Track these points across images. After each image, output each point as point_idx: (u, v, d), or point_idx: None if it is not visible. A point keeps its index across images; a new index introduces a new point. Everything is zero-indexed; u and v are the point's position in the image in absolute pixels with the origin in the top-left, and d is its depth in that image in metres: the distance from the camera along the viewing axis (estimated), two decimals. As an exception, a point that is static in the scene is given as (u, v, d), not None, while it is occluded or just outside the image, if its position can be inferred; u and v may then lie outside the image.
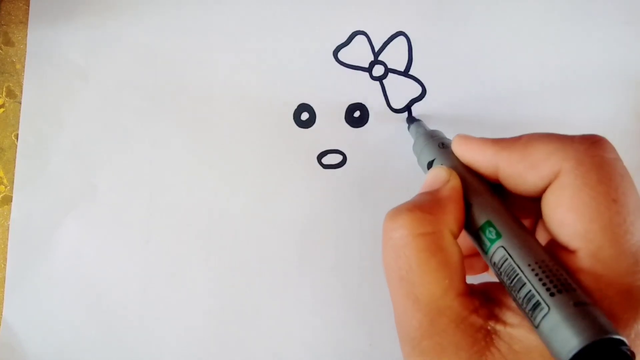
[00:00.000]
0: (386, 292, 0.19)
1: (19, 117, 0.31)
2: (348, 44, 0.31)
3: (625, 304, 0.15)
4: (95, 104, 0.31)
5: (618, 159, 0.17)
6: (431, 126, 0.28)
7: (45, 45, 0.31)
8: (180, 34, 0.31)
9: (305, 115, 0.30)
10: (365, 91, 0.30)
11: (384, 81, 0.30)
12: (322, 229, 0.30)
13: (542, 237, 0.20)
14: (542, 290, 0.16)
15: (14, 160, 0.31)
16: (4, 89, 0.32)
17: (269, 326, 0.30)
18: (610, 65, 0.30)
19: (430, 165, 0.24)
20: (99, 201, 0.31)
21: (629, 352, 0.14)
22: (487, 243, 0.18)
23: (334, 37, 0.31)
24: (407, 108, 0.30)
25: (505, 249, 0.17)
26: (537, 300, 0.16)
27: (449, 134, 0.30)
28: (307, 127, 0.30)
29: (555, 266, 0.16)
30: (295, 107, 0.30)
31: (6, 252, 0.30)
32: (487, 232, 0.18)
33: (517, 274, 0.17)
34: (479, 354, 0.16)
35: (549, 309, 0.15)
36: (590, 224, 0.16)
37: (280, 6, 0.31)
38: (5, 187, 0.31)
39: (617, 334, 0.14)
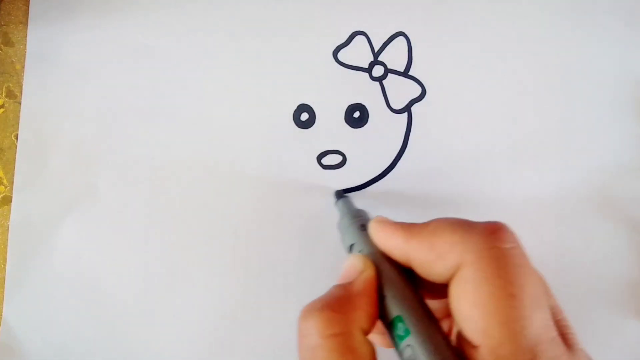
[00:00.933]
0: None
1: (19, 117, 0.31)
2: (348, 44, 0.31)
3: None
4: (95, 104, 0.31)
5: (516, 247, 0.17)
6: (432, 129, 0.28)
7: (45, 45, 0.31)
8: (180, 34, 0.31)
9: (305, 116, 0.30)
10: (365, 92, 0.30)
11: (384, 82, 0.30)
12: (322, 228, 0.30)
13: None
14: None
15: (14, 160, 0.31)
16: (4, 89, 0.32)
17: (269, 326, 0.30)
18: (610, 65, 0.30)
19: (351, 248, 0.24)
20: (99, 201, 0.31)
21: None
22: (397, 339, 0.18)
23: (333, 38, 0.31)
24: (407, 108, 0.30)
25: (413, 348, 0.18)
26: None
27: (449, 134, 0.30)
28: (307, 128, 0.30)
29: None
30: (295, 107, 0.30)
31: (6, 252, 0.31)
32: (397, 327, 0.19)
33: None
34: None
35: None
36: (490, 320, 0.16)
37: (280, 6, 0.31)
38: (5, 187, 0.31)
39: None
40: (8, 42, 0.32)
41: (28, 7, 0.31)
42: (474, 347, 0.17)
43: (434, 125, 0.30)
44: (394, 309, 0.19)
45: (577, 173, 0.30)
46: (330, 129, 0.30)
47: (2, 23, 0.32)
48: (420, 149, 0.30)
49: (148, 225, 0.30)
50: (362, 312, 0.19)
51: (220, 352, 0.30)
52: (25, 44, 0.31)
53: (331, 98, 0.30)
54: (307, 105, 0.30)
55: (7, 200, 0.31)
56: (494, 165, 0.30)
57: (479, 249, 0.17)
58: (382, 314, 0.19)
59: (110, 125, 0.31)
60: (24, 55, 0.31)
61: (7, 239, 0.31)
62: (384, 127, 0.30)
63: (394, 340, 0.19)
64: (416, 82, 0.30)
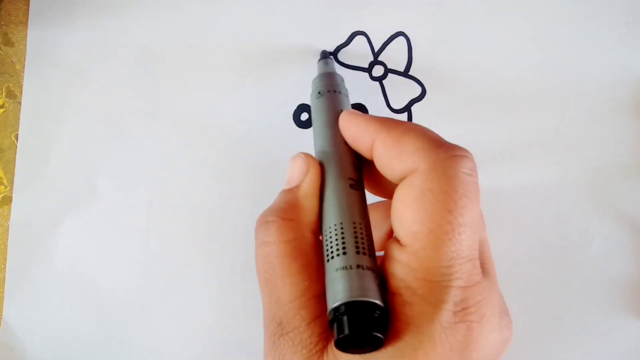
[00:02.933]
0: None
1: (19, 117, 0.31)
2: (348, 44, 0.31)
3: (426, 297, 0.17)
4: (95, 104, 0.31)
5: (471, 175, 0.18)
6: (432, 126, 0.28)
7: (45, 46, 0.31)
8: (180, 34, 0.31)
9: (305, 116, 0.30)
10: (365, 91, 0.30)
11: (384, 81, 0.30)
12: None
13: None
14: (342, 247, 0.18)
15: (14, 160, 0.31)
16: (4, 89, 0.32)
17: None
18: (610, 65, 0.30)
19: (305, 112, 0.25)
20: (99, 201, 0.31)
21: (377, 315, 0.17)
22: (325, 240, 0.20)
23: (334, 37, 0.31)
24: (407, 108, 0.30)
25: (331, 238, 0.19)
26: (336, 253, 0.18)
27: (449, 134, 0.30)
28: (307, 127, 0.30)
29: (365, 235, 0.19)
30: (295, 107, 0.30)
31: (6, 252, 0.31)
32: (326, 231, 0.20)
33: (331, 230, 0.19)
34: (319, 353, 0.18)
35: (340, 263, 0.18)
36: (422, 226, 0.17)
37: (280, 6, 0.31)
38: (5, 187, 0.31)
39: (373, 298, 0.17)
40: (8, 42, 0.32)
41: (28, 7, 0.31)
42: (401, 246, 0.18)
43: (434, 125, 0.30)
44: (329, 211, 0.20)
45: (577, 173, 0.30)
46: (330, 129, 0.30)
47: (2, 23, 0.32)
48: (420, 149, 0.30)
49: (148, 225, 0.30)
50: (309, 215, 0.20)
51: (221, 352, 0.30)
52: (25, 44, 0.31)
53: (331, 98, 0.30)
54: (307, 105, 0.30)
55: (7, 200, 0.31)
56: (493, 165, 0.30)
57: (437, 163, 0.18)
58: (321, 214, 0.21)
59: (110, 125, 0.31)
60: (24, 55, 0.31)
61: (7, 239, 0.31)
62: (384, 127, 0.30)
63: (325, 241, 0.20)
64: (416, 82, 0.30)
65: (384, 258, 0.19)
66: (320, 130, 0.23)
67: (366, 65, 0.31)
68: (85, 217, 0.30)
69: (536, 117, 0.30)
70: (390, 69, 0.30)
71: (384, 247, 0.19)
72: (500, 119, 0.30)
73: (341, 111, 0.23)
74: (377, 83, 0.31)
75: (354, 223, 0.19)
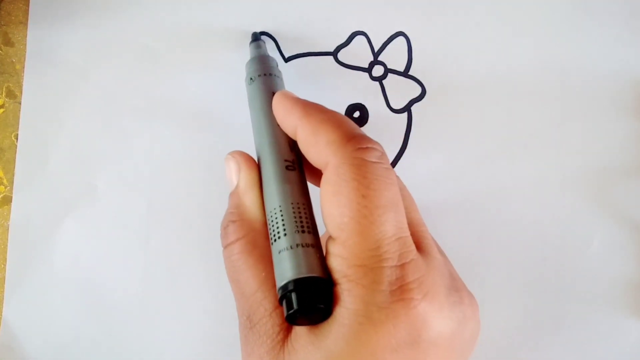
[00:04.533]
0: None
1: (19, 117, 0.31)
2: (348, 44, 0.31)
3: (359, 281, 0.18)
4: (95, 104, 0.31)
5: (380, 163, 0.19)
6: (432, 129, 0.28)
7: (45, 45, 0.31)
8: (180, 34, 0.31)
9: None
10: (365, 91, 0.30)
11: (384, 81, 0.30)
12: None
13: None
14: (283, 228, 0.19)
15: (14, 160, 0.31)
16: (4, 89, 0.32)
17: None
18: (610, 65, 0.30)
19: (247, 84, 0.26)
20: (99, 201, 0.31)
21: (320, 288, 0.18)
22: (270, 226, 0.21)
23: (333, 38, 0.31)
24: (407, 108, 0.30)
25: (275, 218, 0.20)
26: (278, 236, 0.19)
27: (449, 134, 0.30)
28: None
29: (304, 216, 0.20)
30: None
31: (6, 252, 0.31)
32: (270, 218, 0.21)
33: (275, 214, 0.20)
34: (281, 343, 0.19)
35: (283, 244, 0.19)
36: (343, 217, 0.18)
37: (280, 6, 0.31)
38: (5, 187, 0.31)
39: (316, 273, 0.18)
40: (8, 42, 0.32)
41: (28, 7, 0.31)
42: (333, 239, 0.19)
43: (434, 125, 0.30)
44: (268, 197, 0.21)
45: (577, 173, 0.30)
46: (330, 129, 0.30)
47: (2, 23, 0.32)
48: (420, 149, 0.30)
49: (148, 225, 0.30)
50: (254, 208, 0.21)
51: (221, 352, 0.30)
52: (25, 44, 0.31)
53: (331, 98, 0.30)
54: (307, 105, 0.30)
55: (7, 200, 0.31)
56: (493, 164, 0.30)
57: (345, 156, 0.19)
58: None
59: (110, 125, 0.31)
60: (24, 55, 0.31)
61: (7, 239, 0.31)
62: (384, 127, 0.30)
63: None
64: (416, 82, 0.30)
65: (326, 255, 0.19)
66: (255, 115, 0.24)
67: (366, 65, 0.31)
68: (85, 217, 0.30)
69: (536, 117, 0.30)
70: (390, 69, 0.30)
71: (325, 246, 0.20)
72: (500, 119, 0.30)
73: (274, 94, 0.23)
74: (377, 83, 0.31)
75: (292, 203, 0.20)
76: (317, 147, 0.20)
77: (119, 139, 0.31)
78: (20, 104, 0.31)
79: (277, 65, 0.27)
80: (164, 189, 0.30)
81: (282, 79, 0.26)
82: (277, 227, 0.20)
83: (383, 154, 0.20)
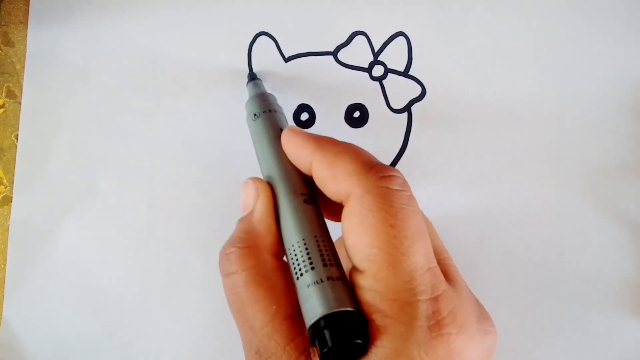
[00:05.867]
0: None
1: (19, 117, 0.31)
2: (348, 44, 0.31)
3: (396, 317, 0.17)
4: (95, 104, 0.31)
5: (404, 191, 0.19)
6: (432, 129, 0.28)
7: (45, 46, 0.31)
8: (180, 34, 0.31)
9: (305, 116, 0.30)
10: (365, 91, 0.30)
11: (384, 81, 0.30)
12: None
13: None
14: (309, 262, 0.19)
15: (14, 160, 0.31)
16: (4, 89, 0.32)
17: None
18: (610, 65, 0.30)
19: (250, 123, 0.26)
20: (99, 201, 0.31)
21: (355, 323, 0.17)
22: (291, 261, 0.20)
23: (333, 38, 0.31)
24: (407, 108, 0.30)
25: (298, 255, 0.19)
26: (305, 269, 0.19)
27: (449, 134, 0.30)
28: (307, 127, 0.30)
29: (327, 249, 0.19)
30: (295, 107, 0.30)
31: (6, 252, 0.31)
32: (290, 251, 0.20)
33: (297, 247, 0.19)
34: None
35: (310, 278, 0.18)
36: (372, 248, 0.17)
37: (280, 6, 0.31)
38: (5, 187, 0.31)
39: (349, 307, 0.17)
40: (8, 42, 0.32)
41: (28, 7, 0.31)
42: (361, 272, 0.18)
43: (434, 125, 0.30)
44: (289, 230, 0.20)
45: (577, 173, 0.30)
46: (330, 128, 0.30)
47: (2, 23, 0.32)
48: (420, 149, 0.30)
49: (148, 225, 0.30)
50: (269, 237, 0.20)
51: (220, 352, 0.30)
52: (25, 44, 0.31)
53: (331, 98, 0.30)
54: (307, 105, 0.30)
55: (7, 200, 0.31)
56: (494, 164, 0.30)
57: (368, 186, 0.18)
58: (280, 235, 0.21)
59: (110, 125, 0.31)
60: (24, 55, 0.31)
61: (7, 239, 0.31)
62: (384, 127, 0.30)
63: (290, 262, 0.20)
64: (416, 82, 0.30)
65: (353, 288, 0.19)
66: (264, 151, 0.23)
67: (366, 65, 0.31)
68: (85, 217, 0.30)
69: (536, 117, 0.30)
70: (390, 69, 0.30)
71: (350, 279, 0.19)
72: (500, 119, 0.30)
73: (281, 129, 0.23)
74: (377, 83, 0.31)
75: (316, 237, 0.19)
76: (336, 180, 0.19)
77: (119, 139, 0.31)
78: (20, 104, 0.31)
79: (277, 101, 0.27)
80: (164, 189, 0.30)
81: (284, 115, 0.26)
82: (303, 261, 0.19)
83: (405, 180, 0.19)
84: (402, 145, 0.30)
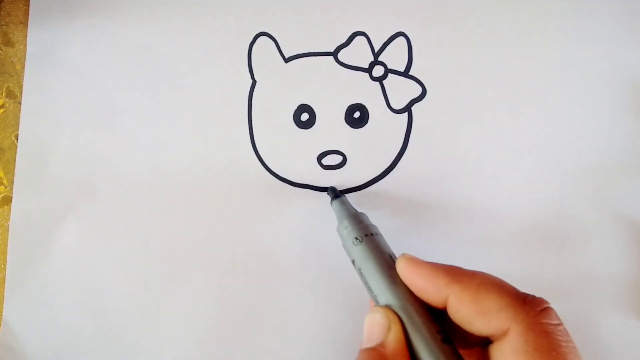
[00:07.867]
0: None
1: (19, 117, 0.31)
2: (348, 45, 0.31)
3: None
4: (95, 104, 0.31)
5: (561, 324, 0.19)
6: (432, 129, 0.28)
7: (45, 46, 0.31)
8: (180, 34, 0.31)
9: (305, 116, 0.30)
10: (365, 92, 0.30)
11: (384, 82, 0.30)
12: (322, 229, 0.30)
13: None
14: None
15: (14, 160, 0.31)
16: (4, 89, 0.32)
17: (269, 327, 0.30)
18: (610, 65, 0.30)
19: (354, 262, 0.24)
20: (99, 201, 0.31)
21: None
22: None
23: (334, 38, 0.31)
24: (407, 108, 0.30)
25: None
26: None
27: (449, 134, 0.30)
28: (307, 128, 0.30)
29: None
30: (295, 107, 0.30)
31: (6, 252, 0.30)
32: None
33: None
34: None
35: None
36: None
37: (280, 6, 0.31)
38: (5, 187, 0.31)
39: None
40: (8, 42, 0.32)
41: (28, 7, 0.31)
42: None
43: (434, 125, 0.30)
44: None
45: (577, 173, 0.30)
46: (331, 129, 0.30)
47: (2, 23, 0.32)
48: (420, 149, 0.30)
49: (148, 225, 0.30)
50: None
51: (220, 352, 0.30)
52: (25, 44, 0.31)
53: (331, 98, 0.30)
54: (307, 105, 0.30)
55: (7, 200, 0.31)
56: (494, 164, 0.30)
57: (530, 322, 0.18)
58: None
59: (110, 125, 0.31)
60: (24, 55, 0.31)
61: (7, 239, 0.31)
62: (384, 127, 0.30)
63: None
64: (416, 82, 0.30)
65: None
66: (379, 281, 0.22)
67: (366, 66, 0.31)
68: (85, 217, 0.30)
69: (536, 117, 0.30)
70: (390, 69, 0.30)
71: None
72: (500, 119, 0.30)
73: (389, 255, 0.22)
74: (377, 83, 0.31)
75: None
76: (486, 315, 0.19)
77: (119, 139, 0.31)
78: (20, 104, 0.31)
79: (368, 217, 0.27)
80: (164, 189, 0.30)
81: (383, 237, 0.25)
82: None
83: (555, 311, 0.19)
84: (402, 145, 0.30)
